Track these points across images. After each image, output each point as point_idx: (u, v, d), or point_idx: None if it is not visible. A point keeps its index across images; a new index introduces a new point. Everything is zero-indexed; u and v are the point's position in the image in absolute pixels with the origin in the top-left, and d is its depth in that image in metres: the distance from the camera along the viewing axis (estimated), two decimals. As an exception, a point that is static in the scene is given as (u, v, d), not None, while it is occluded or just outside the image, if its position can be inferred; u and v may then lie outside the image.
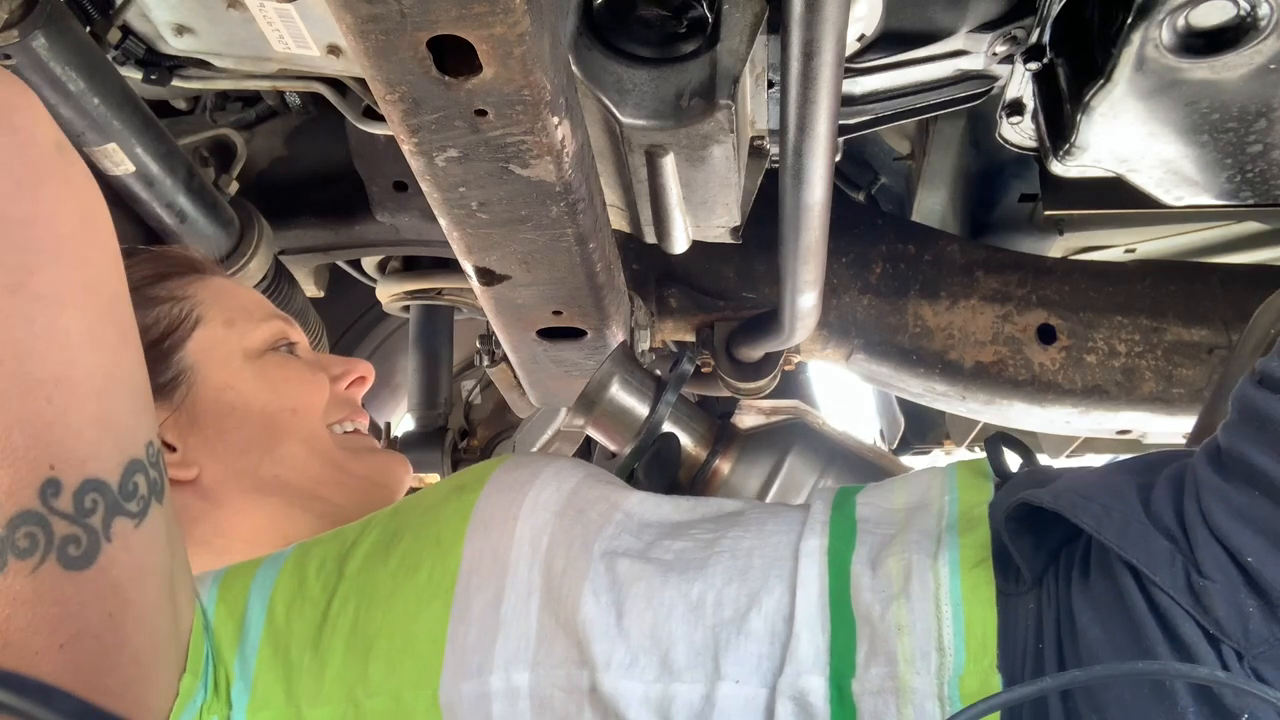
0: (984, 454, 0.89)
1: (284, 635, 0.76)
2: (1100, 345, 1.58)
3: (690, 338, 1.65)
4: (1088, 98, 1.11)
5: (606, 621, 0.75)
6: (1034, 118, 1.28)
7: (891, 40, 1.17)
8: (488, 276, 1.10)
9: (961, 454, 2.54)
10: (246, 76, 1.29)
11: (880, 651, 0.71)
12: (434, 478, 2.12)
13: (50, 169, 0.68)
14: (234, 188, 1.56)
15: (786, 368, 1.64)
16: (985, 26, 1.17)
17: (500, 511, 0.81)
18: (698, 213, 1.17)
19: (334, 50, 1.16)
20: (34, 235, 0.65)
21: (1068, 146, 1.19)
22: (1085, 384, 1.57)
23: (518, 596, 0.76)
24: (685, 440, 1.13)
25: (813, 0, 0.77)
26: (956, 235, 1.73)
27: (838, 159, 1.12)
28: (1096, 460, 2.27)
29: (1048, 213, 1.60)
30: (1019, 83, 1.25)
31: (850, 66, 1.20)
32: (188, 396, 0.98)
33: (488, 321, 1.30)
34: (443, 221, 1.00)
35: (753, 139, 1.20)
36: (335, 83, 1.34)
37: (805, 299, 1.24)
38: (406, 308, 2.12)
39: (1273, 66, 1.03)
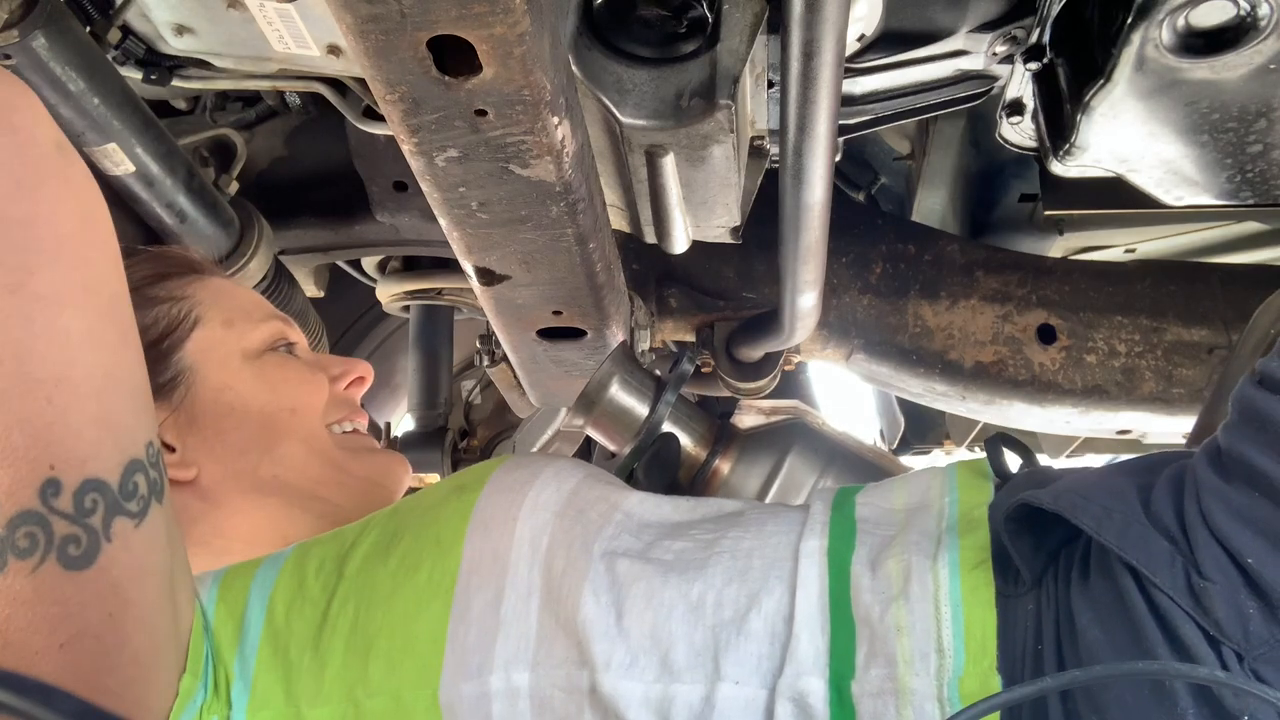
0: (984, 454, 0.89)
1: (284, 635, 0.76)
2: (1100, 345, 1.58)
3: (690, 338, 1.65)
4: (1088, 98, 1.11)
5: (606, 622, 0.75)
6: (1034, 118, 1.28)
7: (891, 40, 1.17)
8: (488, 276, 1.10)
9: (961, 454, 2.54)
10: (246, 76, 1.29)
11: (880, 653, 0.71)
12: (434, 478, 2.12)
13: (50, 169, 0.68)
14: (234, 188, 1.56)
15: (786, 368, 1.64)
16: (985, 26, 1.17)
17: (500, 512, 0.81)
18: (698, 213, 1.17)
19: (334, 50, 1.16)
20: (34, 235, 0.65)
21: (1068, 146, 1.19)
22: (1085, 384, 1.57)
23: (518, 596, 0.76)
24: (685, 440, 1.13)
25: (813, 0, 0.77)
26: (956, 235, 1.73)
27: (838, 159, 1.12)
28: (1096, 460, 2.27)
29: (1048, 213, 1.60)
30: (1019, 83, 1.25)
31: (850, 66, 1.20)
32: (186, 397, 0.98)
33: (488, 321, 1.30)
34: (443, 221, 1.00)
35: (753, 139, 1.20)
36: (335, 83, 1.34)
37: (805, 299, 1.24)
38: (406, 308, 2.12)
39: (1273, 66, 1.03)
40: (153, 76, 1.27)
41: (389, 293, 1.89)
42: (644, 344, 1.58)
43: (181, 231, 1.39)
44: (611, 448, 1.16)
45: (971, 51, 1.21)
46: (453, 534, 0.80)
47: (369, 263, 1.93)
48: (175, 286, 1.03)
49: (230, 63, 1.25)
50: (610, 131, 1.04)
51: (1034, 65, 1.17)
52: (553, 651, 0.74)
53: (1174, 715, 0.62)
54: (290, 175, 1.67)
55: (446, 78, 0.77)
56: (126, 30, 1.22)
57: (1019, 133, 1.32)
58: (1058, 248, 1.87)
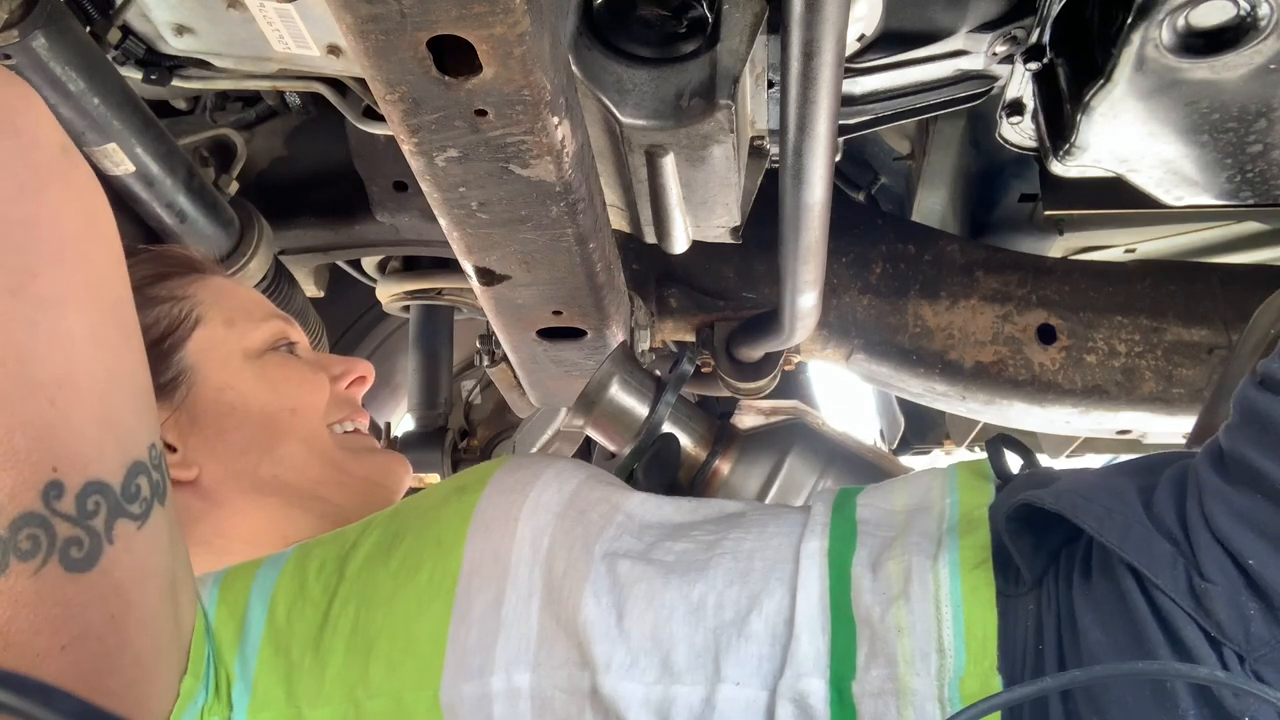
0: (985, 455, 0.89)
1: (285, 636, 0.76)
2: (1100, 345, 1.58)
3: (690, 338, 1.65)
4: (1088, 98, 1.11)
5: (607, 623, 0.75)
6: (1034, 118, 1.28)
7: (891, 40, 1.17)
8: (488, 276, 1.10)
9: (961, 454, 2.54)
10: (246, 76, 1.28)
11: (880, 653, 0.71)
12: (434, 478, 2.12)
13: (54, 171, 0.68)
14: (234, 188, 1.55)
15: (786, 368, 1.64)
16: (985, 26, 1.17)
17: (501, 513, 0.81)
18: (698, 213, 1.17)
19: (334, 50, 1.16)
20: (37, 237, 0.65)
21: (1068, 146, 1.19)
22: (1085, 384, 1.57)
23: (519, 597, 0.76)
24: (685, 441, 1.13)
25: (813, 0, 0.77)
26: (956, 235, 1.73)
27: (838, 159, 1.12)
28: (1096, 460, 2.27)
29: (1048, 213, 1.60)
30: (1019, 83, 1.25)
31: (850, 66, 1.20)
32: (188, 397, 0.98)
33: (488, 321, 1.30)
34: (443, 221, 1.00)
35: (753, 139, 1.20)
36: (335, 83, 1.34)
37: (805, 299, 1.24)
38: (406, 308, 2.12)
39: (1273, 66, 1.03)
40: (153, 76, 1.27)
41: (389, 293, 1.89)
42: (644, 344, 1.58)
43: (181, 231, 1.39)
44: (611, 448, 1.16)
45: (971, 51, 1.21)
46: (454, 535, 0.80)
47: (369, 263, 1.93)
48: (176, 286, 1.03)
49: (230, 63, 1.25)
50: (610, 131, 1.04)
51: (1034, 65, 1.17)
52: (554, 652, 0.74)
53: (1175, 716, 0.62)
54: (290, 175, 1.67)
55: (446, 78, 0.77)
56: (126, 30, 1.22)
57: (1019, 133, 1.32)
58: (1058, 248, 1.87)
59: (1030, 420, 1.64)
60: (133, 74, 1.26)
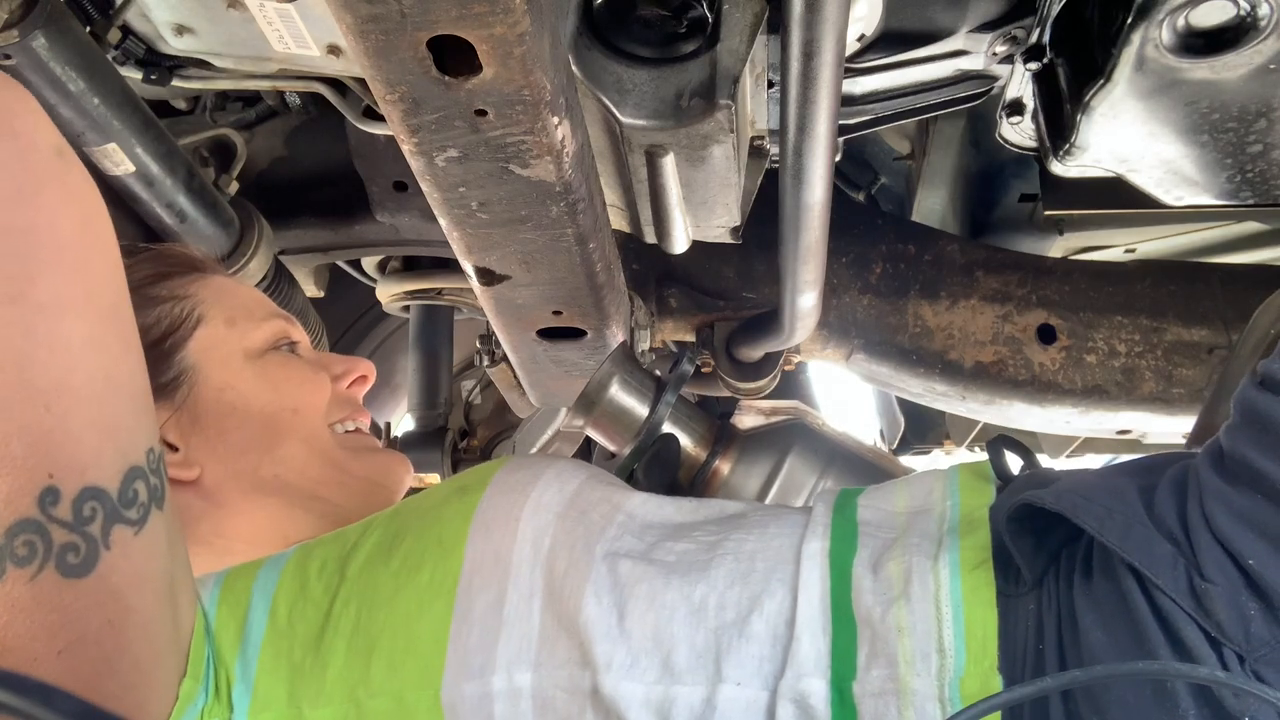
0: (985, 456, 0.89)
1: (286, 636, 0.76)
2: (1100, 345, 1.58)
3: (690, 338, 1.65)
4: (1088, 98, 1.11)
5: (608, 623, 0.75)
6: (1034, 118, 1.28)
7: (891, 40, 1.17)
8: (488, 276, 1.10)
9: (962, 454, 2.54)
10: (246, 76, 1.28)
11: (881, 653, 0.71)
12: (434, 478, 2.12)
13: (50, 175, 0.68)
14: (234, 188, 1.56)
15: (786, 368, 1.64)
16: (985, 26, 1.17)
17: (502, 513, 0.81)
18: (698, 213, 1.17)
19: (334, 50, 1.16)
20: (34, 242, 0.65)
21: (1068, 146, 1.19)
22: (1085, 384, 1.57)
23: (520, 597, 0.76)
24: (685, 441, 1.13)
25: (813, 0, 0.77)
26: (956, 235, 1.73)
27: (838, 159, 1.12)
28: (1096, 460, 2.27)
29: (1048, 213, 1.60)
30: (1019, 83, 1.25)
31: (850, 66, 1.20)
32: (189, 396, 0.98)
33: (488, 321, 1.30)
34: (443, 221, 1.00)
35: (753, 139, 1.20)
36: (335, 83, 1.34)
37: (805, 299, 1.24)
38: (406, 308, 2.12)
39: (1273, 66, 1.03)
40: (153, 76, 1.27)
41: (389, 293, 1.89)
42: (644, 344, 1.58)
43: (181, 231, 1.39)
44: (611, 448, 1.16)
45: (971, 51, 1.21)
46: (455, 535, 0.80)
47: (369, 263, 1.93)
48: (177, 285, 1.03)
49: (230, 63, 1.25)
50: (610, 131, 1.04)
51: (1034, 65, 1.17)
52: (555, 652, 0.74)
53: (1175, 716, 0.62)
54: (290, 175, 1.67)
55: (446, 78, 0.77)
56: (126, 30, 1.22)
57: (1019, 133, 1.32)
58: (1058, 248, 1.87)
59: (1030, 420, 1.64)
60: (133, 74, 1.26)
